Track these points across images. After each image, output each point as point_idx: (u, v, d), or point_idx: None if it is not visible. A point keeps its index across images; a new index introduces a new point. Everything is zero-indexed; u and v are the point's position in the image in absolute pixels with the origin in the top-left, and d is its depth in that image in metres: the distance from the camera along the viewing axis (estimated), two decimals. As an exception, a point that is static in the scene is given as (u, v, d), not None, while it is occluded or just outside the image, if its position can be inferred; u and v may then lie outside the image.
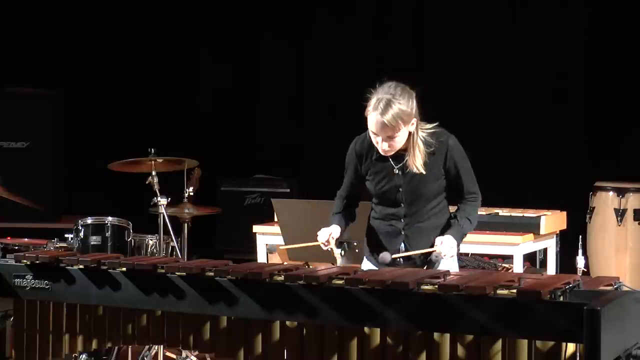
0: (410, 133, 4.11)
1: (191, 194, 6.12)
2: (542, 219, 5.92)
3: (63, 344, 4.07)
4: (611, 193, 6.97)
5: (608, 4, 7.56)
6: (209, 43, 8.79)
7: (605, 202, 6.98)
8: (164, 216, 5.81)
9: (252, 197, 8.25)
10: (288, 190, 8.17)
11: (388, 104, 4.02)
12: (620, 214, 6.88)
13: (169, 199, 5.86)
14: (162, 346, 5.49)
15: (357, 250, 4.40)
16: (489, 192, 7.23)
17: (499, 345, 3.30)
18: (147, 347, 5.65)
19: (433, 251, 4.15)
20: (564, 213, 6.32)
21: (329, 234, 4.25)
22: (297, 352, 3.61)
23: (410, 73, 7.96)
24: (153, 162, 5.87)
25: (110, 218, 5.89)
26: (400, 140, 4.09)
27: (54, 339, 4.08)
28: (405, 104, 4.05)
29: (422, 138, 4.14)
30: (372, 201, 4.34)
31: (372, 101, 4.08)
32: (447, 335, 3.37)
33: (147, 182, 5.87)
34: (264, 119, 8.69)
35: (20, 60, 8.52)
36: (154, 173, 5.85)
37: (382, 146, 4.10)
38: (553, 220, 6.08)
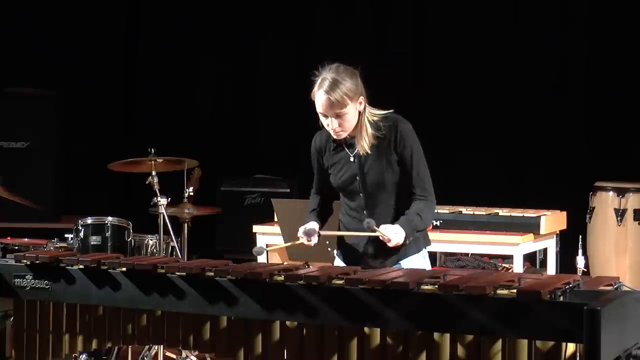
0: (359, 113, 4.09)
1: (191, 194, 6.12)
2: (542, 219, 5.92)
3: (63, 344, 4.06)
4: (611, 193, 6.97)
5: (609, 6, 7.56)
6: (208, 43, 8.79)
7: (605, 202, 6.99)
8: (164, 216, 5.81)
9: (252, 197, 8.25)
10: (288, 190, 8.17)
11: (333, 82, 4.05)
12: (620, 214, 6.88)
13: (169, 199, 5.86)
14: (162, 346, 5.50)
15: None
16: (489, 192, 7.27)
17: (499, 345, 3.29)
18: (147, 347, 5.66)
19: (376, 236, 4.08)
20: (564, 213, 6.32)
21: (306, 229, 4.21)
22: (297, 352, 3.61)
23: (410, 73, 8.04)
24: (153, 162, 5.87)
25: (110, 218, 5.89)
26: (350, 119, 4.08)
27: (54, 339, 4.07)
28: (349, 80, 4.07)
29: (371, 121, 4.12)
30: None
31: (317, 82, 4.10)
32: (447, 335, 3.37)
33: (147, 182, 5.87)
34: (264, 119, 8.69)
35: (20, 60, 8.52)
36: (154, 173, 5.85)
37: (332, 126, 4.09)
38: (553, 220, 6.08)
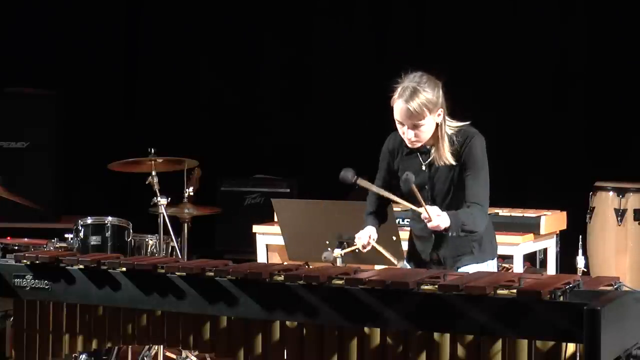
0: (437, 125, 4.09)
1: (191, 194, 6.12)
2: (542, 219, 5.92)
3: (63, 344, 4.06)
4: (611, 193, 6.97)
5: (608, 5, 7.57)
6: (209, 43, 8.79)
7: (605, 202, 6.98)
8: (164, 216, 5.81)
9: (252, 197, 8.25)
10: (288, 190, 8.17)
11: (413, 92, 4.02)
12: (620, 214, 6.88)
13: (169, 199, 5.86)
14: (162, 346, 5.49)
15: (357, 251, 4.40)
16: (489, 192, 7.23)
17: (499, 345, 3.30)
18: (147, 347, 5.66)
19: (420, 211, 4.06)
20: (564, 213, 6.31)
21: (368, 236, 4.23)
22: (297, 352, 3.61)
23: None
24: (153, 162, 5.87)
25: (110, 218, 5.89)
26: (426, 130, 4.07)
27: (54, 339, 4.07)
28: (430, 92, 4.05)
29: (448, 134, 4.12)
30: None
31: (398, 90, 4.07)
32: (447, 335, 3.37)
33: (147, 182, 5.87)
34: (264, 119, 8.69)
35: (20, 60, 8.52)
36: (154, 173, 5.85)
37: (408, 135, 4.08)
38: (553, 220, 6.08)
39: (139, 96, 8.98)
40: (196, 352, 5.61)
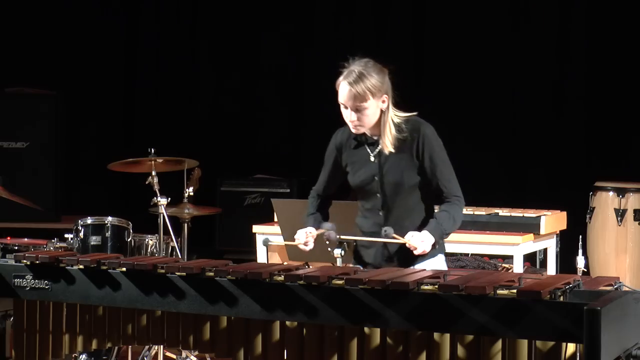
0: (381, 111, 4.10)
1: (191, 194, 6.12)
2: (542, 219, 5.92)
3: (63, 344, 4.06)
4: (611, 193, 6.97)
5: (607, 6, 7.57)
6: (209, 43, 8.80)
7: (605, 202, 6.98)
8: (164, 216, 5.81)
9: (252, 197, 8.25)
10: (288, 190, 8.18)
11: (359, 75, 4.06)
12: (620, 214, 6.88)
13: (169, 199, 5.86)
14: (162, 346, 5.49)
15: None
16: (489, 192, 7.27)
17: (499, 345, 3.30)
18: (147, 347, 5.66)
19: (403, 243, 4.06)
20: (564, 213, 6.32)
21: (307, 233, 4.22)
22: (297, 352, 3.61)
23: (411, 74, 8.04)
24: (153, 162, 5.87)
25: (110, 218, 5.89)
26: (370, 114, 4.07)
27: (54, 339, 4.07)
28: (376, 77, 4.08)
29: (395, 122, 4.11)
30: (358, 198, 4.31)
31: (344, 72, 4.11)
32: (447, 335, 3.37)
33: (147, 182, 5.87)
34: (263, 118, 8.70)
35: (20, 60, 8.53)
36: (154, 173, 5.85)
37: (351, 118, 4.09)
38: (553, 220, 6.08)
39: (139, 96, 8.98)
40: (196, 352, 5.61)
